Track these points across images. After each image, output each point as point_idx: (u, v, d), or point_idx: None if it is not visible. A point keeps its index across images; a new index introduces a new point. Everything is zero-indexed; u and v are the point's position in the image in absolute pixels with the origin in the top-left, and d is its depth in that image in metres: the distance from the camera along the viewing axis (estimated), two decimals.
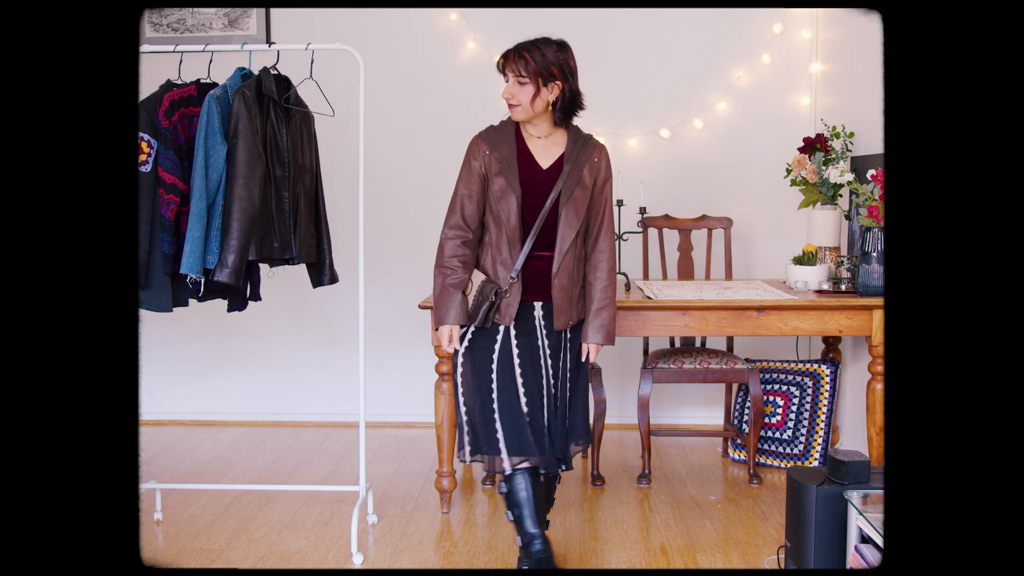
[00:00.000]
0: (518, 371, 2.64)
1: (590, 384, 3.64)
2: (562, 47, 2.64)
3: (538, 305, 2.69)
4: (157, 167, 2.82)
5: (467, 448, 2.69)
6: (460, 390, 2.70)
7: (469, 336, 2.70)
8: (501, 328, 2.66)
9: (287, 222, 3.01)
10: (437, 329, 2.69)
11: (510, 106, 2.63)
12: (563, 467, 2.71)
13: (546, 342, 2.69)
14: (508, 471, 2.62)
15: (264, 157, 2.90)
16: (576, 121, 2.79)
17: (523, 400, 2.63)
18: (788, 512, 2.66)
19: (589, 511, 3.33)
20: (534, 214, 2.64)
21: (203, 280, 2.88)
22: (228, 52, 3.11)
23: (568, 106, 2.68)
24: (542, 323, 2.69)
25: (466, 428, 2.69)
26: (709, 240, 4.09)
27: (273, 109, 2.95)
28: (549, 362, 2.69)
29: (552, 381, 2.69)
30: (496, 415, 2.62)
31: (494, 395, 2.64)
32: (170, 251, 2.86)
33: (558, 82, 2.61)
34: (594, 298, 2.72)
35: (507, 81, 2.61)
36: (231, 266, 2.83)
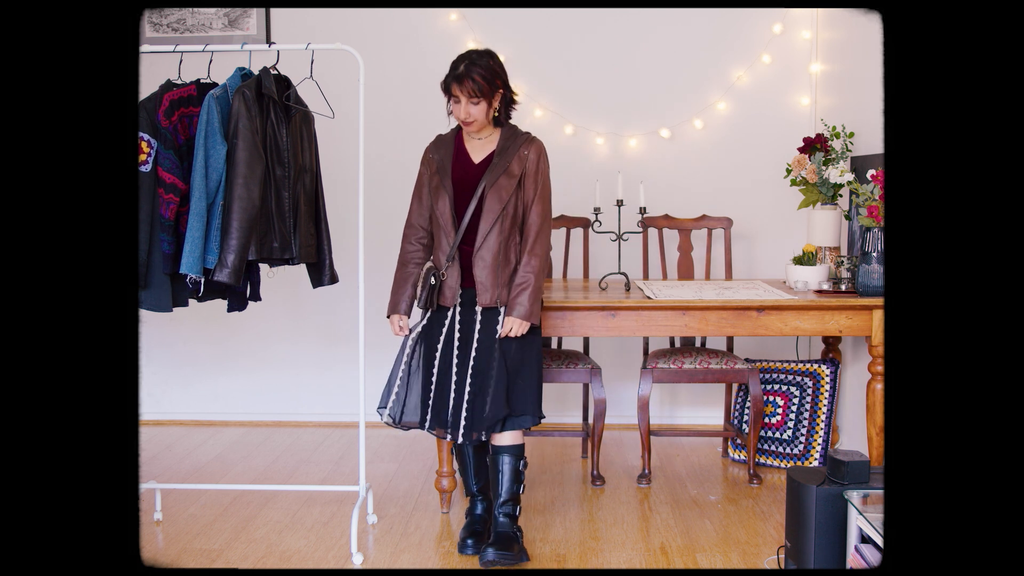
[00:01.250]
0: (455, 352, 2.88)
1: (591, 382, 3.64)
2: (492, 56, 2.88)
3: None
4: (157, 167, 2.82)
5: (387, 410, 2.98)
6: (403, 361, 2.98)
7: (425, 321, 2.97)
8: (449, 313, 2.91)
9: (287, 222, 3.01)
10: (388, 316, 3.04)
11: (466, 123, 2.87)
12: (478, 439, 2.86)
13: (478, 327, 2.88)
14: (460, 440, 2.88)
15: (264, 157, 2.90)
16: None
17: (454, 380, 2.87)
18: (788, 512, 2.66)
19: (589, 511, 3.33)
20: (465, 205, 2.88)
21: (203, 280, 2.88)
22: (228, 52, 3.11)
23: (507, 106, 2.92)
24: (480, 307, 2.89)
25: (394, 395, 2.98)
26: (709, 240, 4.09)
27: (273, 109, 2.95)
28: (477, 345, 2.86)
29: (482, 362, 2.85)
30: (433, 391, 2.90)
31: (433, 376, 2.91)
32: (170, 251, 2.86)
33: (500, 90, 2.87)
34: (516, 279, 2.88)
35: (457, 102, 2.84)
36: (231, 266, 2.83)
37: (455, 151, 2.94)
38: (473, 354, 2.85)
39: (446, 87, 2.86)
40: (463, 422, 2.83)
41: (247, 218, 2.84)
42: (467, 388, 2.84)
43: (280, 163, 2.97)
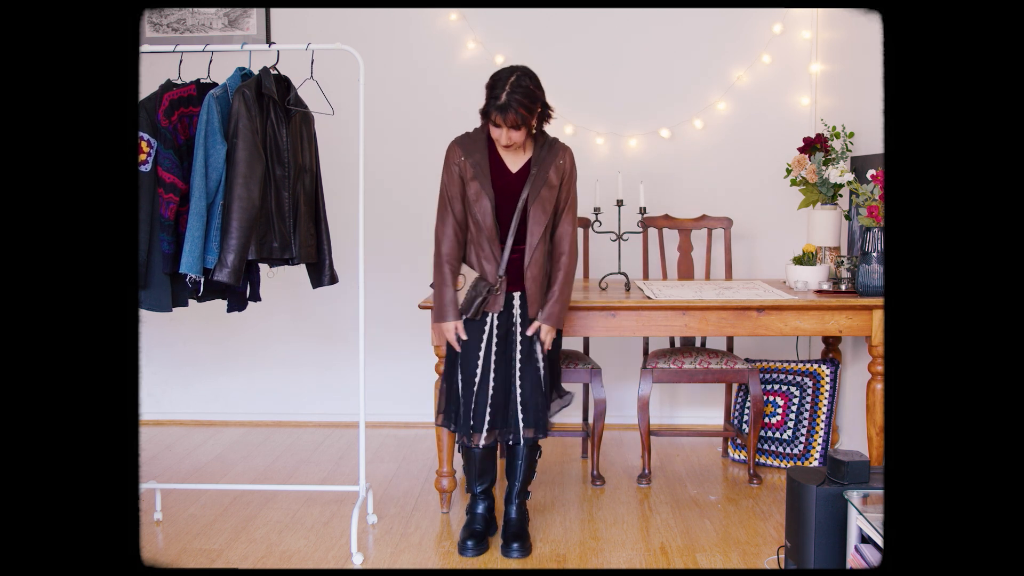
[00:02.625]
0: (493, 357, 2.91)
1: (591, 382, 3.65)
2: (530, 76, 2.80)
3: (516, 295, 2.93)
4: (157, 166, 2.83)
5: (451, 417, 2.98)
6: (449, 368, 2.98)
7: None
8: (488, 317, 2.91)
9: (287, 222, 3.00)
10: (438, 323, 2.93)
11: (506, 147, 2.83)
12: (532, 437, 2.95)
13: (519, 328, 2.93)
14: (482, 445, 2.92)
15: (264, 157, 2.90)
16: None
17: (491, 384, 2.91)
18: (788, 512, 2.66)
19: (589, 511, 3.33)
20: (508, 214, 2.88)
21: (203, 280, 2.88)
22: (227, 52, 3.11)
23: (541, 119, 2.87)
24: (519, 311, 2.93)
25: (450, 401, 2.99)
26: (709, 240, 4.09)
27: (273, 109, 2.95)
28: (519, 347, 2.92)
29: (523, 362, 2.91)
30: (474, 398, 2.90)
31: (476, 380, 2.90)
32: (169, 251, 2.86)
33: (539, 111, 2.82)
34: (552, 286, 2.95)
35: (497, 126, 2.76)
36: (230, 266, 2.83)
37: (490, 156, 2.89)
38: (520, 357, 2.91)
39: (486, 114, 2.77)
40: (522, 422, 2.92)
41: (247, 218, 2.84)
42: (514, 391, 2.92)
43: (280, 163, 2.97)
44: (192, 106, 2.92)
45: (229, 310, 3.15)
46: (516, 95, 2.72)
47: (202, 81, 2.99)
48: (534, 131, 2.87)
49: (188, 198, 2.85)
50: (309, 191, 3.11)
